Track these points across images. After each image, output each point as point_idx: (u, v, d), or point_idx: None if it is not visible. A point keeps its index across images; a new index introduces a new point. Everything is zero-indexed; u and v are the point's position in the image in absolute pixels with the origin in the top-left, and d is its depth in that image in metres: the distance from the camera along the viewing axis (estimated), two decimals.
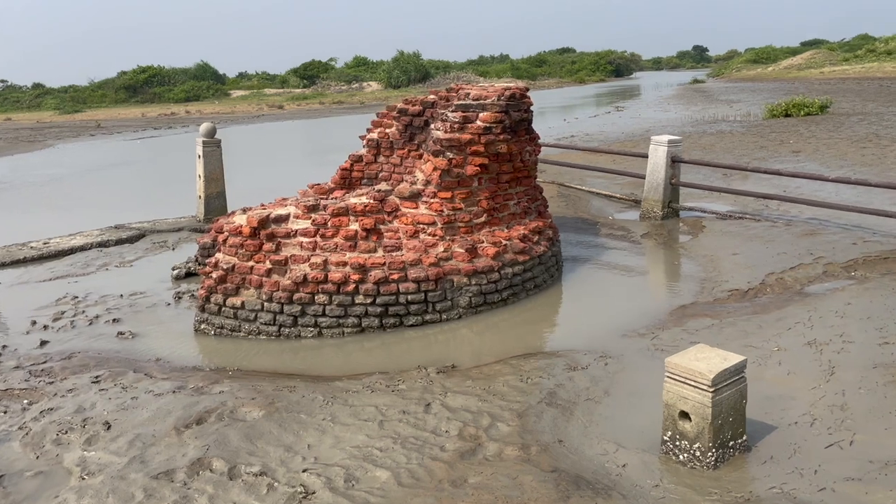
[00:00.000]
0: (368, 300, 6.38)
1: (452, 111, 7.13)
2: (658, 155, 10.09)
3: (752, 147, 16.47)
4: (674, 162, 10.07)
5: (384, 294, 6.39)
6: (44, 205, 14.57)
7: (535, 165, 7.79)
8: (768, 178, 11.78)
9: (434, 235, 6.75)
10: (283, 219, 6.60)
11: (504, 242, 6.99)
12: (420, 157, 8.84)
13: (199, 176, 11.46)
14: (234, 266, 6.52)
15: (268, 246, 6.47)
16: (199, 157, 11.40)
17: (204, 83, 61.14)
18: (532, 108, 7.65)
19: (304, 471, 3.99)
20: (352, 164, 9.06)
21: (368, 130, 9.15)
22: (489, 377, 5.17)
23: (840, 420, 4.27)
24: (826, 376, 4.86)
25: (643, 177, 11.18)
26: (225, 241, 6.64)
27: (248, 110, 50.70)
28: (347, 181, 9.05)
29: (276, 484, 3.87)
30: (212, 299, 6.56)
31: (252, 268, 6.47)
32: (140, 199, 14.89)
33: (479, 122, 7.02)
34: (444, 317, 6.59)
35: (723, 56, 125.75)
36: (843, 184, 8.82)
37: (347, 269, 6.40)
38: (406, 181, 7.34)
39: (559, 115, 34.26)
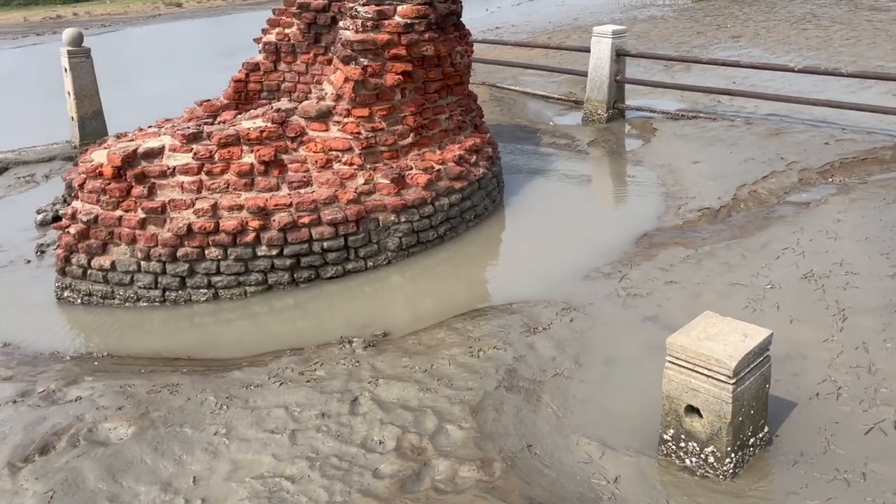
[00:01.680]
0: (274, 251, 5.15)
1: (364, 4, 5.71)
2: (601, 48, 8.90)
3: (689, 33, 15.40)
4: (619, 56, 8.91)
5: (293, 242, 5.17)
6: None
7: (469, 69, 6.50)
8: (713, 68, 10.80)
9: (351, 165, 5.48)
10: (155, 153, 5.19)
11: (437, 167, 5.79)
12: (329, 61, 7.39)
13: (69, 93, 9.63)
14: (96, 217, 5.13)
15: (138, 190, 5.09)
16: (66, 70, 9.52)
17: None
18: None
19: None
20: (247, 75, 7.52)
21: (264, 32, 7.57)
22: (430, 350, 4.12)
23: (872, 389, 3.43)
24: (838, 323, 4.01)
25: (583, 74, 10.00)
26: (82, 185, 5.21)
27: (142, 10, 46.12)
28: (243, 95, 7.55)
29: None
30: (73, 260, 5.19)
31: (120, 218, 5.10)
32: (7, 122, 12.78)
33: (397, 18, 5.65)
34: (370, 264, 5.43)
35: None
36: (809, 74, 7.91)
37: (244, 213, 5.11)
38: (313, 95, 5.97)
39: (480, 4, 32.23)
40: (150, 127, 7.16)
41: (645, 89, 9.98)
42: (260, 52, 7.55)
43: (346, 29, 5.74)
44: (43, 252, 6.23)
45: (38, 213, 7.15)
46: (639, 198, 6.52)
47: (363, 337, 4.36)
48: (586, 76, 9.46)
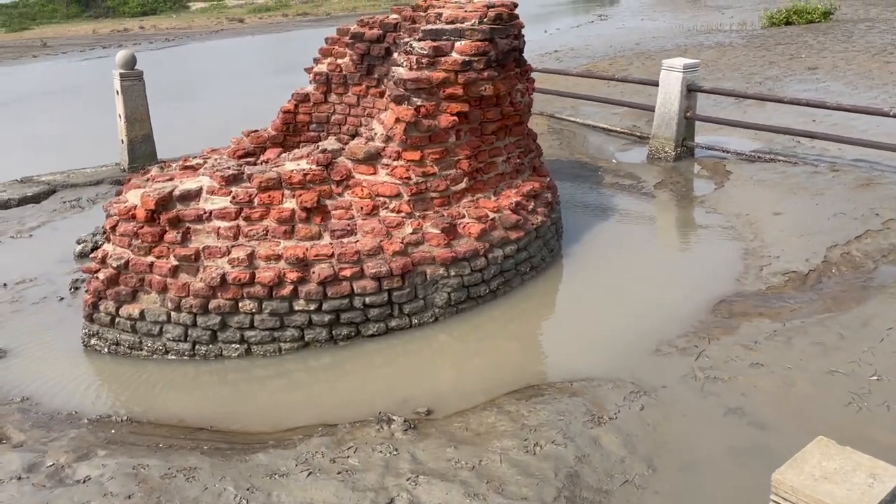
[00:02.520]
0: (312, 306, 4.74)
1: (419, 40, 5.31)
2: (671, 83, 8.33)
3: (761, 63, 14.63)
4: (689, 91, 8.33)
5: (333, 297, 4.75)
6: None
7: (529, 108, 6.03)
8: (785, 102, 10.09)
9: (399, 212, 5.06)
10: (192, 196, 4.85)
11: (491, 216, 5.32)
12: (382, 94, 7.02)
13: (120, 116, 9.51)
14: (127, 262, 4.80)
15: (171, 235, 4.74)
16: (118, 93, 9.40)
17: None
18: (524, 31, 5.83)
19: None
20: (296, 106, 7.20)
21: (316, 61, 7.26)
22: (479, 439, 3.62)
23: None
24: None
25: (648, 108, 9.44)
26: (114, 227, 4.89)
27: (206, 25, 47.34)
28: (292, 127, 7.23)
29: None
30: (101, 307, 4.87)
31: (152, 265, 4.76)
32: (62, 139, 12.82)
33: (455, 55, 5.22)
34: (416, 321, 4.98)
35: None
36: None
37: (282, 264, 4.72)
38: (362, 134, 5.58)
39: (539, 26, 31.81)
40: (195, 157, 6.90)
41: (714, 125, 9.35)
42: (310, 82, 7.23)
43: (399, 66, 5.34)
44: (77, 289, 5.96)
45: (78, 243, 6.92)
46: (714, 253, 5.92)
47: (403, 415, 3.89)
48: (652, 110, 8.92)
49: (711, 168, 8.02)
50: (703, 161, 8.34)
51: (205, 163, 6.74)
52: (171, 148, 10.22)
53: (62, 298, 5.81)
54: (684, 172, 8.04)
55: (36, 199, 8.65)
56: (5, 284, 6.10)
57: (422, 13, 6.36)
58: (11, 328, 5.33)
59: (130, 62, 9.36)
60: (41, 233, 7.54)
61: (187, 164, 6.71)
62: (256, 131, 7.25)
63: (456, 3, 5.96)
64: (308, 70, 7.28)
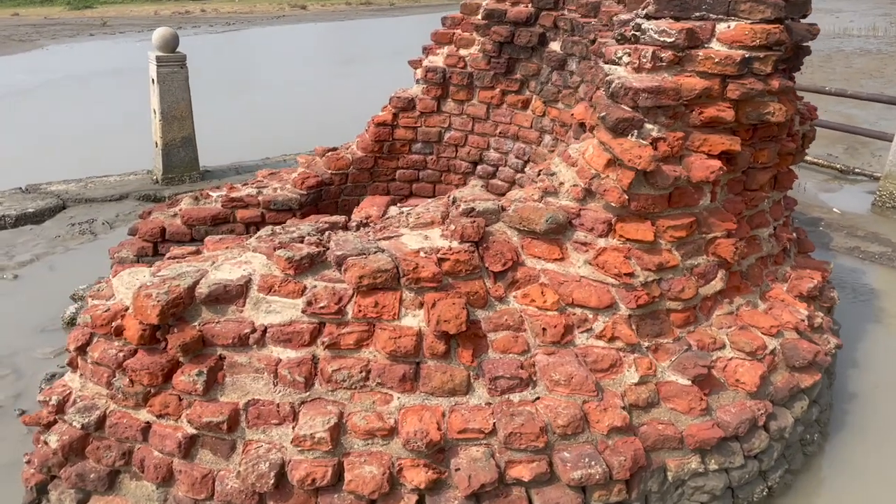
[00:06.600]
0: None
1: (649, 17, 2.89)
2: None
3: None
4: None
5: None
6: None
7: (808, 143, 3.56)
8: None
9: (612, 340, 2.66)
10: (231, 295, 2.53)
11: (769, 345, 2.88)
12: (525, 104, 4.63)
13: (154, 112, 7.34)
14: (102, 417, 2.52)
15: (187, 375, 2.44)
16: (153, 81, 7.24)
17: None
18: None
19: None
20: (395, 116, 4.86)
21: (427, 51, 4.90)
22: None
23: None
24: None
25: (852, 130, 6.91)
26: (83, 347, 2.61)
27: (268, 10, 46.10)
28: (387, 146, 4.89)
29: None
30: (53, 495, 2.60)
31: (147, 429, 2.47)
32: (90, 135, 10.75)
33: (718, 47, 2.79)
34: None
35: None
36: None
37: (394, 447, 2.37)
38: (531, 180, 3.23)
39: None
40: (244, 185, 4.67)
41: None
42: (417, 81, 4.87)
43: (615, 63, 2.92)
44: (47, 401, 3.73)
45: (74, 299, 4.74)
46: None
47: None
48: (858, 133, 6.38)
49: None
50: None
51: (259, 194, 4.49)
52: (218, 154, 8.06)
53: (23, 412, 3.59)
54: None
55: (38, 217, 6.52)
56: None
57: None
58: None
59: (171, 43, 7.17)
60: (30, 273, 5.39)
61: (233, 193, 4.48)
62: (336, 150, 4.94)
63: None
64: (414, 64, 4.93)
